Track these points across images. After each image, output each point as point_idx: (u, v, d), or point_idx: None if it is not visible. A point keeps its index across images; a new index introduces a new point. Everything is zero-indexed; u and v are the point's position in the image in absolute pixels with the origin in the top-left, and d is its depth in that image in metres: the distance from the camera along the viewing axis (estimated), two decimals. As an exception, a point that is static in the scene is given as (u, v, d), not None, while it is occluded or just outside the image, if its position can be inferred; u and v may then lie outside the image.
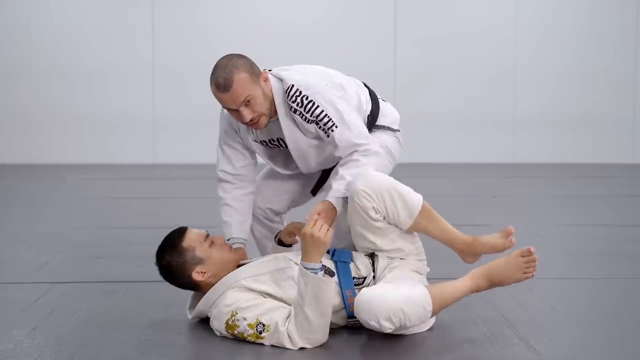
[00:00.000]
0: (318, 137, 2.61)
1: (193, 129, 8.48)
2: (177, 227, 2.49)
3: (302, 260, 2.26)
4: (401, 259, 2.49)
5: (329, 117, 2.53)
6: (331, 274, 2.27)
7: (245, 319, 2.26)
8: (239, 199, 2.75)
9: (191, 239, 2.42)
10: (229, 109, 2.52)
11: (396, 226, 2.46)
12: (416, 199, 2.43)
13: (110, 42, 8.52)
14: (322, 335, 2.25)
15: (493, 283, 2.38)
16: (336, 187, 2.51)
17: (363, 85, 2.78)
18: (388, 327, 2.21)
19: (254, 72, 2.49)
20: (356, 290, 2.36)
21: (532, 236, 4.08)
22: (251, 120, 2.50)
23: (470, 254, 2.52)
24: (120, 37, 8.52)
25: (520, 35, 8.68)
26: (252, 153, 2.77)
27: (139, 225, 4.52)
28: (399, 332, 2.31)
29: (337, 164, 2.68)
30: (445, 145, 8.61)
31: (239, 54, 2.52)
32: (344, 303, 2.37)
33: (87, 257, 3.57)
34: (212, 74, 2.46)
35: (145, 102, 8.60)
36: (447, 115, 8.66)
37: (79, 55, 8.51)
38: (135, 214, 5.00)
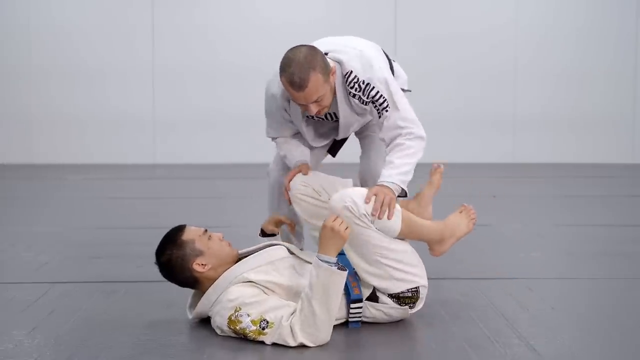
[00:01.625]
0: (364, 113, 2.73)
1: (193, 129, 8.47)
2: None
3: (318, 252, 2.28)
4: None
5: (384, 97, 2.61)
6: (343, 270, 2.27)
7: (248, 315, 2.26)
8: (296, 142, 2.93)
9: (190, 233, 2.44)
10: (297, 102, 2.57)
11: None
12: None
13: (110, 42, 8.52)
14: (325, 334, 2.25)
15: (446, 234, 2.61)
16: (388, 173, 2.54)
17: (381, 50, 2.87)
18: (362, 206, 2.34)
19: (327, 70, 2.53)
20: (357, 276, 2.43)
21: (532, 236, 4.08)
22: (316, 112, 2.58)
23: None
24: (121, 37, 8.52)
25: (521, 35, 8.67)
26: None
27: (139, 225, 4.52)
28: (377, 235, 2.38)
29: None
30: (445, 145, 8.60)
31: (310, 47, 2.53)
32: (346, 286, 2.38)
33: (87, 257, 3.57)
34: (286, 68, 2.47)
35: (146, 102, 8.60)
36: (447, 115, 8.66)
37: (79, 55, 8.51)
38: (135, 214, 5.00)
